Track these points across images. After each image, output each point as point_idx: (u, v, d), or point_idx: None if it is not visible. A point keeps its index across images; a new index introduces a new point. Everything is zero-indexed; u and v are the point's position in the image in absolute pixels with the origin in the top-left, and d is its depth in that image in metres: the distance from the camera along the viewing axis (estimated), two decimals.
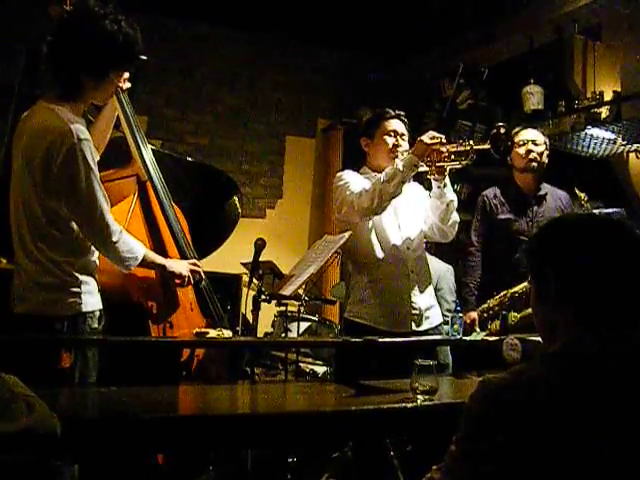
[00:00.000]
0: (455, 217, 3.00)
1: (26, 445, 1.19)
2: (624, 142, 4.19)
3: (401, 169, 2.73)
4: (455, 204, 2.96)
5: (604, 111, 4.20)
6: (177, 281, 2.53)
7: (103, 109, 2.50)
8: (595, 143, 4.33)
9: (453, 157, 2.83)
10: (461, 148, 2.82)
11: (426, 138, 2.77)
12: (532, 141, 3.47)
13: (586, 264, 1.22)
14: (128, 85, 2.50)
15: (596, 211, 3.42)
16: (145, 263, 2.37)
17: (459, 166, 2.86)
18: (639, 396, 1.13)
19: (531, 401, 1.13)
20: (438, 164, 2.84)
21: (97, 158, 2.26)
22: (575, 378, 1.15)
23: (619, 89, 4.16)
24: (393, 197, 2.77)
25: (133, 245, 2.31)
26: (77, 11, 2.22)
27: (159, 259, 2.46)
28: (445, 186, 2.90)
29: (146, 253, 2.37)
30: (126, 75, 2.47)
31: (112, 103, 2.51)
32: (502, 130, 2.84)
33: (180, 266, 2.53)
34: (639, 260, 1.22)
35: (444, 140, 2.80)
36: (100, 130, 2.47)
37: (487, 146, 2.81)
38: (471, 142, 2.83)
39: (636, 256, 1.22)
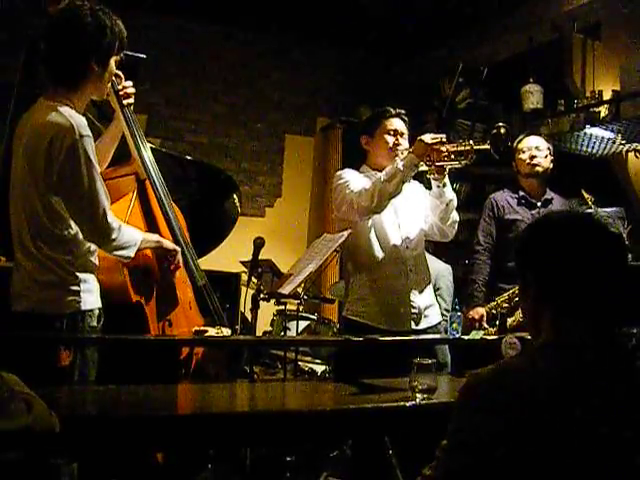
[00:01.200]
0: (455, 216, 3.00)
1: (25, 443, 1.20)
2: (623, 141, 4.20)
3: (401, 169, 2.73)
4: (455, 203, 2.97)
5: (603, 110, 4.20)
6: (171, 258, 2.53)
7: (110, 126, 2.54)
8: (594, 142, 4.34)
9: (453, 157, 2.83)
10: (461, 148, 2.82)
11: (426, 138, 2.77)
12: (535, 147, 3.54)
13: (563, 265, 1.25)
14: (130, 86, 2.53)
15: (591, 210, 3.44)
16: (143, 245, 2.38)
17: (459, 166, 2.86)
18: (615, 386, 1.16)
19: (516, 394, 1.14)
20: (438, 163, 2.84)
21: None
22: (557, 370, 1.17)
23: (618, 88, 4.16)
24: (393, 196, 2.77)
25: (131, 235, 2.31)
26: (68, 7, 2.23)
27: (154, 237, 2.48)
28: (445, 185, 2.91)
29: (144, 237, 2.39)
30: (129, 83, 2.52)
31: (118, 119, 2.54)
32: (502, 130, 2.84)
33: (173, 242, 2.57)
34: (616, 259, 1.25)
35: (444, 139, 2.80)
36: (105, 146, 2.51)
37: (487, 146, 2.80)
38: (471, 142, 2.83)
39: (613, 255, 1.25)
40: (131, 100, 2.57)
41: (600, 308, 1.24)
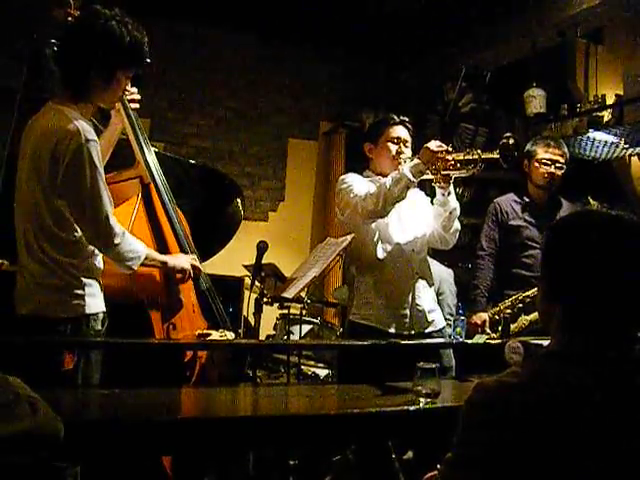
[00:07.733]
0: (457, 225, 2.99)
1: (30, 447, 1.20)
2: (626, 145, 4.21)
3: (407, 174, 2.73)
4: (457, 212, 2.96)
5: (606, 114, 4.21)
6: (178, 276, 2.53)
7: (104, 132, 2.54)
8: (597, 146, 4.34)
9: (459, 165, 2.81)
10: (468, 157, 2.78)
11: (432, 145, 2.76)
12: (555, 163, 3.44)
13: (578, 267, 1.21)
14: (135, 92, 2.54)
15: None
16: (147, 262, 2.37)
17: (466, 174, 2.84)
18: (621, 400, 1.14)
19: (520, 410, 1.13)
20: (444, 172, 2.81)
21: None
22: (564, 381, 1.15)
23: (621, 92, 4.17)
24: (397, 201, 2.77)
25: (135, 245, 2.31)
26: (85, 13, 2.24)
27: (160, 257, 2.48)
28: (449, 194, 2.90)
29: (148, 252, 2.38)
30: (134, 89, 2.54)
31: (118, 113, 2.55)
32: (511, 141, 2.80)
33: (180, 260, 2.54)
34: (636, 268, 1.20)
35: (450, 149, 2.79)
36: (107, 139, 2.52)
37: (496, 156, 2.76)
38: (479, 151, 2.79)
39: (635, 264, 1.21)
40: (136, 105, 2.58)
41: (613, 318, 1.20)
